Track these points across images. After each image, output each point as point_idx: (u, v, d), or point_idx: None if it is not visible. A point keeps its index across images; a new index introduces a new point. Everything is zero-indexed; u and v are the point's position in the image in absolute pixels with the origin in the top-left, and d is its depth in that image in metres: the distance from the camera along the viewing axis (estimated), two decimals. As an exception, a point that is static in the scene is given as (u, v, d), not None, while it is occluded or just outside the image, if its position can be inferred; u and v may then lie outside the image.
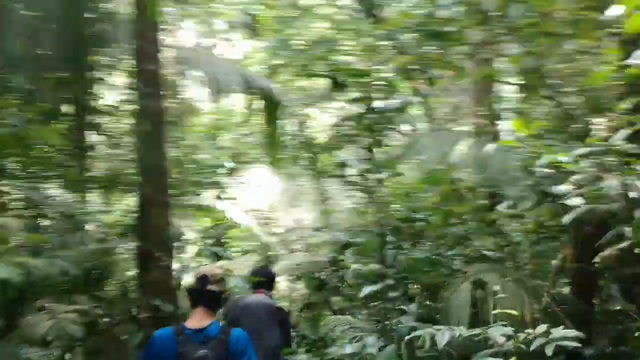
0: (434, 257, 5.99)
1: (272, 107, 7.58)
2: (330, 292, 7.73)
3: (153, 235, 6.03)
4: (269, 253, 12.87)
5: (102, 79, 10.66)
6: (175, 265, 6.81)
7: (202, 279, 3.70)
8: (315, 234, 8.73)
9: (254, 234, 11.38)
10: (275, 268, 9.80)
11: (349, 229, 8.08)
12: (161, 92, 6.35)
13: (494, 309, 4.16)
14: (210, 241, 19.26)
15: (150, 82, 6.23)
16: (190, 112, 20.89)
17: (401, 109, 5.84)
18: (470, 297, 4.45)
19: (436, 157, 4.76)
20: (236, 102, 22.56)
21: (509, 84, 11.05)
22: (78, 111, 9.32)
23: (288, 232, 10.96)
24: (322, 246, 10.14)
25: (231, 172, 18.19)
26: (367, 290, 5.29)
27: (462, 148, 4.67)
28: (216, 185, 17.92)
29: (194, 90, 22.87)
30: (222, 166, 18.34)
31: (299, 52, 20.45)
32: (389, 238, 6.54)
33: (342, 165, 7.39)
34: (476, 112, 13.44)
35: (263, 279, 5.90)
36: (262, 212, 12.10)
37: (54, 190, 9.74)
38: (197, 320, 3.62)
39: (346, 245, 7.74)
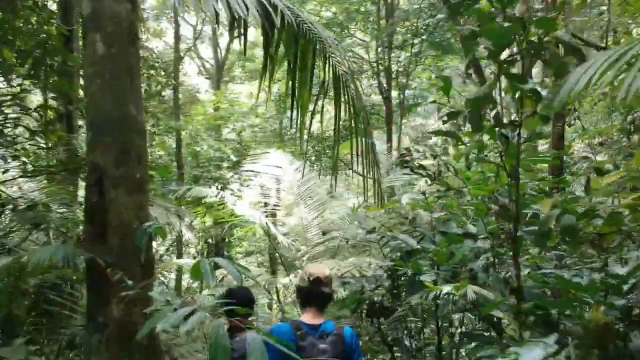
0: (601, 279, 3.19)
1: (304, 48, 4.75)
2: (390, 324, 4.91)
3: (115, 241, 3.17)
4: (281, 254, 10.14)
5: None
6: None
7: (316, 281, 3.50)
8: (358, 235, 5.87)
9: (266, 233, 8.54)
10: (297, 279, 7.08)
11: (414, 230, 5.28)
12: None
13: None
14: (211, 241, 16.63)
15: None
16: (192, 102, 18.15)
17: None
18: None
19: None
20: (241, 89, 19.81)
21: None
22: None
23: (310, 232, 8.11)
24: (366, 251, 7.37)
25: (235, 165, 15.50)
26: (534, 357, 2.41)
27: None
28: (220, 179, 15.27)
29: (195, 79, 20.10)
30: (227, 159, 15.65)
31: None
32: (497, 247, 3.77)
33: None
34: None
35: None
36: (274, 208, 9.28)
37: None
38: (312, 317, 3.47)
39: (412, 252, 4.92)
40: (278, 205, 9.24)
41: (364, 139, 4.91)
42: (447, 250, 4.66)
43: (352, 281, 4.94)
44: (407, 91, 17.35)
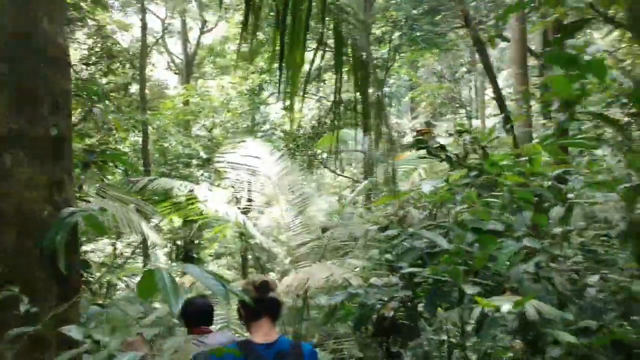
0: None
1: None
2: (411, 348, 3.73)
3: (10, 238, 1.91)
4: (256, 256, 8.96)
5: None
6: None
7: (263, 287, 2.98)
8: (368, 232, 4.65)
9: (241, 233, 7.30)
10: (280, 286, 5.86)
11: (437, 226, 4.11)
12: None
13: None
14: (180, 243, 15.27)
15: None
16: (160, 97, 16.74)
17: None
18: None
19: None
20: (212, 85, 18.45)
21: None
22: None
23: (292, 231, 6.90)
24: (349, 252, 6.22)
25: (206, 162, 14.20)
26: None
27: None
28: (189, 178, 13.95)
29: (163, 73, 18.69)
30: (197, 156, 14.34)
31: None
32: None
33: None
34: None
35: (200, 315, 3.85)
36: (249, 205, 8.04)
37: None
38: (264, 333, 2.91)
39: (432, 255, 3.75)
40: (252, 201, 8.00)
41: (375, 109, 3.72)
42: (486, 252, 3.50)
43: (360, 291, 3.71)
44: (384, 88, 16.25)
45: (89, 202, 4.23)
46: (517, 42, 9.22)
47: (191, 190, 6.40)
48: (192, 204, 6.95)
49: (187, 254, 15.91)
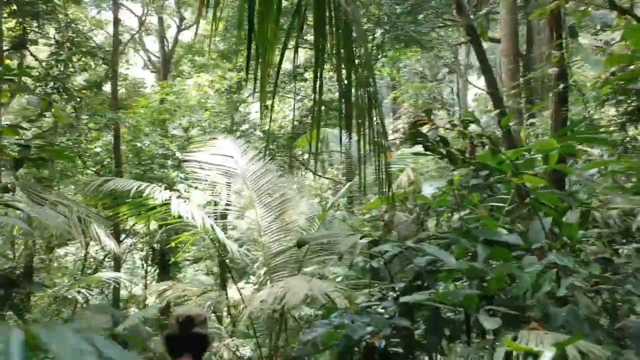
0: None
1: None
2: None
3: None
4: (229, 265, 8.30)
5: None
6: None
7: (186, 322, 2.70)
8: (357, 246, 3.84)
9: (212, 239, 6.53)
10: (254, 299, 5.19)
11: (439, 238, 3.34)
12: None
13: None
14: (156, 247, 14.38)
15: None
16: (135, 96, 15.81)
17: None
18: None
19: None
20: (190, 84, 17.55)
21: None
22: None
23: (269, 238, 6.10)
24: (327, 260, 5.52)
25: (182, 163, 13.34)
26: None
27: None
28: (165, 179, 13.09)
29: (140, 72, 17.76)
30: (172, 156, 13.48)
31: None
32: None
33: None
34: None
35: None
36: (226, 209, 7.25)
37: None
38: None
39: (432, 273, 3.00)
40: (229, 204, 7.18)
41: (367, 93, 2.96)
42: (503, 272, 2.74)
43: (346, 321, 2.92)
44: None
45: (17, 209, 3.39)
46: (509, 35, 8.56)
47: (153, 190, 5.59)
48: (156, 207, 6.13)
49: (162, 258, 15.02)
